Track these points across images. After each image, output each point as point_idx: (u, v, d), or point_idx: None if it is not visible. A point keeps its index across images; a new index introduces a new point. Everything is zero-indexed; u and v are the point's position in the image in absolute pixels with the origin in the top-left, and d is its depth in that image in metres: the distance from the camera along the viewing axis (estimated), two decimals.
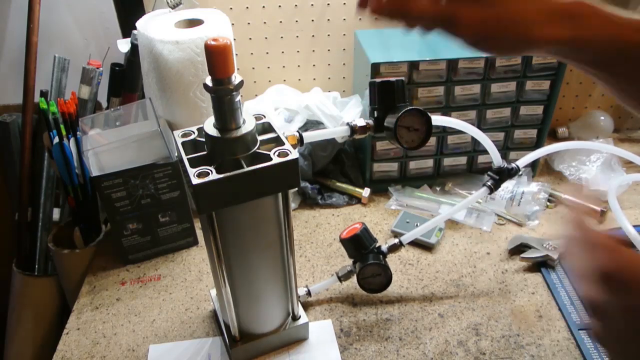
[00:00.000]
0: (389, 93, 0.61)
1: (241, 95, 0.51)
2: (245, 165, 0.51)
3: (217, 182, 0.48)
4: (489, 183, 0.71)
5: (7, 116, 1.06)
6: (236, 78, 0.49)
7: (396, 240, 0.72)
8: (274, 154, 0.51)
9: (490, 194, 0.71)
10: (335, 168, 0.99)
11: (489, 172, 0.71)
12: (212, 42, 0.46)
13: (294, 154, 0.51)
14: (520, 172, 0.95)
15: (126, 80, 0.96)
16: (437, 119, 0.66)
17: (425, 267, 0.80)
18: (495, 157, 0.70)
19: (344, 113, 0.94)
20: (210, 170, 0.49)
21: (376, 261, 0.69)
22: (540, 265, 0.79)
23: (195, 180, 0.48)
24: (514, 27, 0.37)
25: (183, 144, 0.54)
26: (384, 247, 0.71)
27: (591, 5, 0.36)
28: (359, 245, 0.70)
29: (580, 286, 0.44)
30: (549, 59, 0.86)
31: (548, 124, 0.94)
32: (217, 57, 0.46)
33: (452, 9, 0.38)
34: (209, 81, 0.48)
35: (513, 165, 0.71)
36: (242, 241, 0.56)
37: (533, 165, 0.99)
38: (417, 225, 0.86)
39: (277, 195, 0.55)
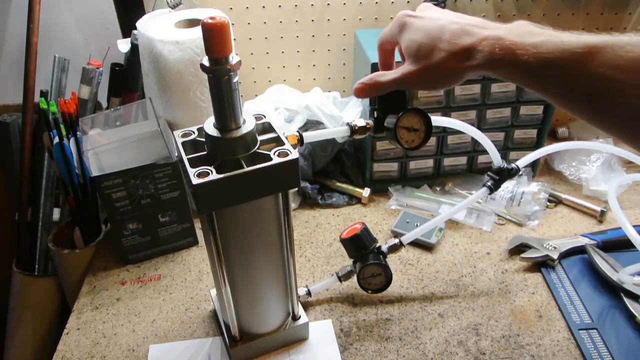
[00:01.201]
0: (388, 93, 0.61)
1: (239, 82, 0.50)
2: (245, 165, 0.51)
3: (218, 182, 0.48)
4: (489, 183, 0.71)
5: (7, 116, 1.06)
6: (234, 58, 0.47)
7: (396, 241, 0.72)
8: (274, 154, 0.51)
9: (490, 194, 0.71)
10: (335, 168, 0.99)
11: (488, 173, 0.71)
12: (209, 20, 0.44)
13: (294, 154, 0.51)
14: (521, 172, 0.95)
15: (126, 80, 0.96)
16: (437, 120, 0.66)
17: (425, 267, 0.80)
18: (495, 158, 0.70)
19: (344, 113, 0.94)
20: (211, 170, 0.49)
21: (376, 261, 0.69)
22: (540, 265, 0.79)
23: (195, 180, 0.48)
24: (437, 71, 0.50)
25: (183, 144, 0.54)
26: (384, 248, 0.71)
27: (490, 38, 0.46)
28: (359, 246, 0.70)
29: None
30: None
31: (548, 124, 0.94)
32: (214, 35, 0.45)
33: (401, 76, 0.53)
34: (205, 61, 0.47)
35: (513, 165, 0.71)
36: (242, 241, 0.56)
37: (533, 165, 0.99)
38: (417, 225, 0.86)
39: (278, 195, 0.55)
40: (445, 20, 0.51)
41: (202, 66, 0.47)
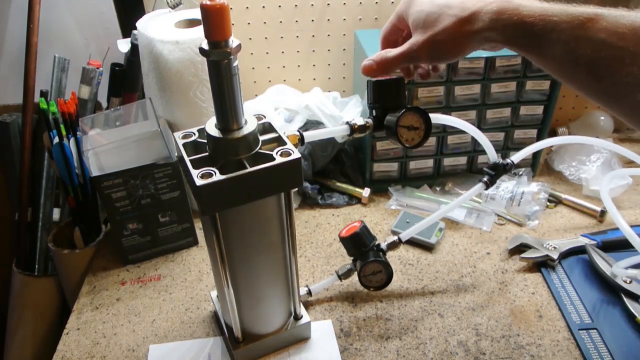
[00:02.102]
0: (385, 91, 0.61)
1: (238, 65, 0.49)
2: (248, 166, 0.51)
3: (221, 183, 0.48)
4: (484, 179, 0.71)
5: (7, 116, 1.06)
6: (234, 41, 0.46)
7: (395, 238, 0.72)
8: (276, 153, 0.51)
9: (486, 189, 0.71)
10: (335, 168, 0.99)
11: (484, 168, 0.72)
12: (208, 2, 0.43)
13: (297, 154, 0.51)
14: (521, 173, 0.96)
15: (126, 80, 0.96)
16: (432, 117, 0.66)
17: (425, 267, 0.80)
18: (490, 153, 0.70)
19: (344, 113, 0.94)
20: (214, 172, 0.49)
21: (377, 258, 0.69)
22: (540, 265, 0.79)
23: (199, 182, 0.48)
24: (445, 38, 0.50)
25: (184, 145, 0.54)
26: (383, 245, 0.72)
27: (498, 1, 0.47)
28: (359, 244, 0.70)
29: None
30: None
31: (548, 124, 0.94)
32: (213, 17, 0.44)
33: (408, 48, 0.53)
34: (205, 45, 0.46)
35: (508, 160, 0.71)
36: (245, 242, 0.56)
37: (533, 165, 0.99)
38: None
39: (280, 194, 0.55)
40: None
41: (201, 50, 0.46)
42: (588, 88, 0.44)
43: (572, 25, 0.43)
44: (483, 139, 0.69)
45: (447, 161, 0.97)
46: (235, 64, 0.48)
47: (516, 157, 0.73)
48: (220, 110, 0.50)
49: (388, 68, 0.56)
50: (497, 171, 0.71)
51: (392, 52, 0.55)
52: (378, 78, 0.60)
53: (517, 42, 0.47)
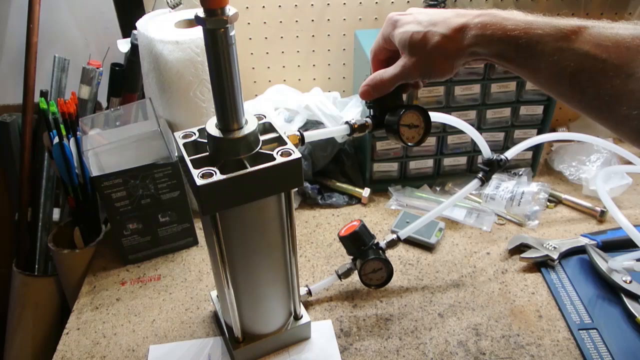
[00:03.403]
0: None
1: (235, 36, 0.48)
2: (248, 166, 0.51)
3: (222, 182, 0.48)
4: (480, 175, 0.72)
5: (7, 116, 1.06)
6: (230, 10, 0.46)
7: (394, 236, 0.72)
8: (277, 153, 0.51)
9: (481, 185, 0.72)
10: (335, 168, 0.99)
11: (479, 164, 0.72)
12: None
13: (297, 153, 0.51)
14: (521, 173, 0.96)
15: (126, 80, 0.96)
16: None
17: (425, 267, 0.80)
18: (484, 149, 0.71)
19: (344, 113, 0.94)
20: (214, 171, 0.49)
21: (377, 256, 0.69)
22: (540, 265, 0.79)
23: (199, 182, 0.48)
24: (434, 55, 0.50)
25: (184, 145, 0.54)
26: (382, 243, 0.72)
27: (483, 16, 0.47)
28: (358, 242, 0.70)
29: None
30: None
31: (548, 124, 0.94)
32: None
33: (401, 69, 0.54)
34: (200, 13, 0.45)
35: (502, 156, 0.72)
36: (245, 242, 0.56)
37: (533, 165, 0.99)
38: None
39: (280, 194, 0.55)
40: (436, 11, 0.52)
41: (197, 18, 0.45)
42: (572, 100, 0.44)
43: (555, 38, 0.43)
44: (476, 136, 0.70)
45: (447, 161, 0.97)
46: (232, 33, 0.47)
47: (510, 152, 0.74)
48: (218, 85, 0.48)
49: (384, 89, 0.57)
50: (492, 167, 0.72)
51: (386, 74, 0.55)
52: None
53: (504, 56, 0.47)
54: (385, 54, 0.59)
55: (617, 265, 0.73)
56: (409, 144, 0.60)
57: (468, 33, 0.48)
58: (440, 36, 0.50)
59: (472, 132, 0.70)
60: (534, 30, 0.44)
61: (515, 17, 0.46)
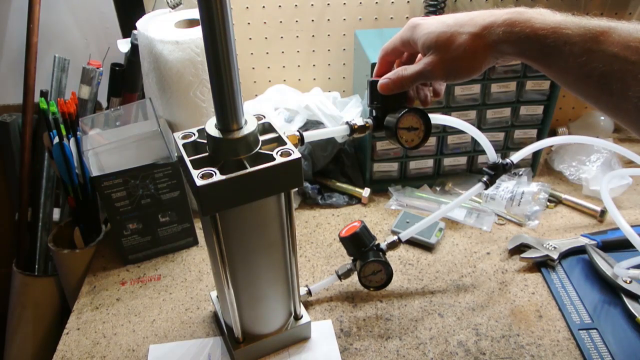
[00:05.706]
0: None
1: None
2: (248, 166, 0.51)
3: (221, 183, 0.48)
4: (484, 179, 0.71)
5: (7, 116, 1.06)
6: None
7: (395, 238, 0.72)
8: (276, 153, 0.51)
9: (485, 189, 0.72)
10: (335, 168, 0.99)
11: (484, 168, 0.72)
12: None
13: (297, 154, 0.51)
14: (521, 173, 0.96)
15: (126, 80, 0.96)
16: (432, 117, 0.66)
17: (425, 267, 0.80)
18: (490, 153, 0.71)
19: (344, 113, 0.94)
20: (214, 172, 0.49)
21: (377, 258, 0.69)
22: (540, 265, 0.79)
23: (199, 182, 0.48)
24: (461, 55, 0.50)
25: (184, 145, 0.54)
26: (383, 245, 0.72)
27: (511, 13, 0.47)
28: (359, 243, 0.70)
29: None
30: None
31: (548, 124, 0.94)
32: None
33: (423, 67, 0.53)
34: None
35: (507, 160, 0.71)
36: (245, 242, 0.56)
37: (533, 165, 0.99)
38: None
39: (280, 195, 0.55)
40: (462, 14, 0.52)
41: None
42: (599, 101, 0.44)
43: (584, 39, 0.43)
44: (483, 139, 0.69)
45: (447, 161, 0.97)
46: None
47: (515, 156, 0.73)
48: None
49: (404, 85, 0.56)
50: (497, 171, 0.71)
51: (408, 70, 0.55)
52: (378, 78, 0.60)
53: (531, 55, 0.46)
54: (396, 56, 0.59)
55: (622, 273, 0.72)
56: (407, 146, 0.60)
57: (495, 30, 0.47)
58: (467, 34, 0.49)
59: (478, 135, 0.69)
60: (563, 30, 0.44)
61: (544, 16, 0.45)
